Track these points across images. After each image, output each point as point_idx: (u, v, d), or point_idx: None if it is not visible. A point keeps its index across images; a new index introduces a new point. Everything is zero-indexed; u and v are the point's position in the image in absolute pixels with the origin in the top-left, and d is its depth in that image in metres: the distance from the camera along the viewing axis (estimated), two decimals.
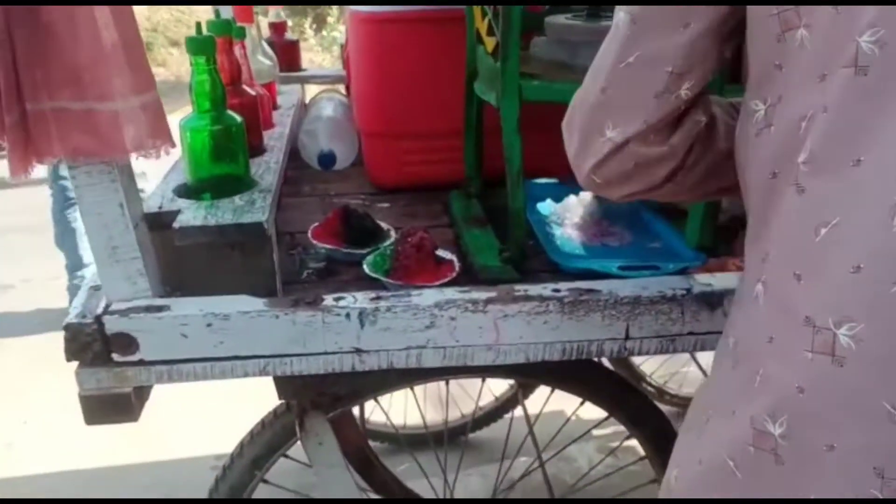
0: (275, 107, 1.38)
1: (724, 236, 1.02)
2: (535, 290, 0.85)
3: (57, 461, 2.00)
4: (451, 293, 0.85)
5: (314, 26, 8.66)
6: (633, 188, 0.68)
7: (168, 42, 8.02)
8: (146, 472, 1.97)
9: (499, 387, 1.90)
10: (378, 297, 0.83)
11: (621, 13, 0.61)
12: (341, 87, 1.79)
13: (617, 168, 0.65)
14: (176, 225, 0.81)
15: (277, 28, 1.74)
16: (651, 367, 2.04)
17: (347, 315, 0.81)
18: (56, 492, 1.89)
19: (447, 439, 1.57)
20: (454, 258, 0.98)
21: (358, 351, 0.83)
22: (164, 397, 2.07)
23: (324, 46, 8.46)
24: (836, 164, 0.47)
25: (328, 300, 0.82)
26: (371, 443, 1.81)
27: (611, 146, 0.63)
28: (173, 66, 7.77)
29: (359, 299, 0.83)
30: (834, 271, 0.46)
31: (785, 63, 0.52)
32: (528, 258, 0.98)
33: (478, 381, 1.49)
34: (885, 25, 0.44)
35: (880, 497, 0.45)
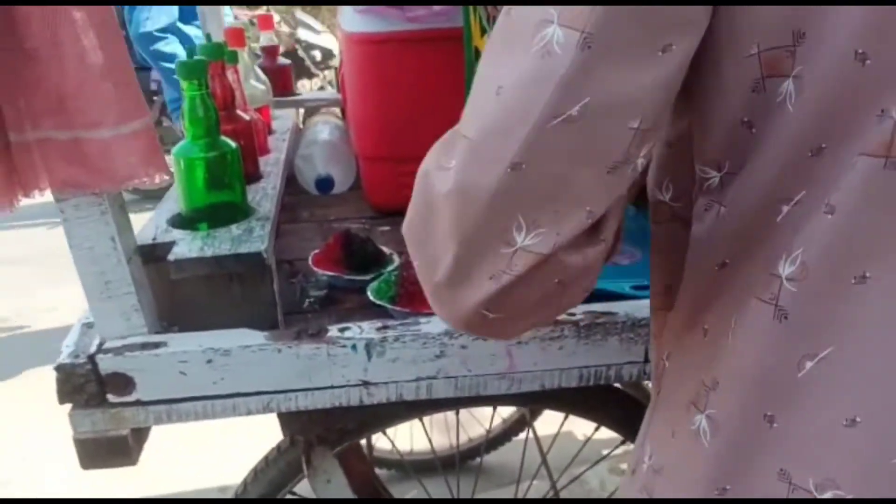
0: (269, 132, 1.35)
1: None
2: None
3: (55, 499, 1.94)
4: None
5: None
6: (540, 317, 0.48)
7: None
8: None
9: (507, 409, 1.86)
10: (385, 327, 0.80)
11: (558, 30, 0.36)
12: (337, 110, 1.76)
13: (526, 294, 0.42)
14: (171, 257, 0.77)
15: (269, 52, 1.72)
16: None
17: (354, 346, 0.78)
18: None
19: (459, 465, 1.53)
20: None
21: (366, 384, 0.79)
22: (164, 429, 2.03)
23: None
24: (834, 282, 0.36)
25: (333, 331, 0.79)
26: (377, 470, 1.77)
27: (526, 263, 0.40)
28: None
29: (365, 329, 0.79)
30: (820, 420, 0.36)
31: (757, 122, 0.38)
32: None
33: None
34: None
35: None
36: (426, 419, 1.43)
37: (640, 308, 0.82)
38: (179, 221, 0.88)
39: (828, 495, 0.36)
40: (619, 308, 0.82)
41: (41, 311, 2.98)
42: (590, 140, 0.37)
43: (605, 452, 1.91)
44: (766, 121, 0.38)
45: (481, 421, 1.75)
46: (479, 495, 1.82)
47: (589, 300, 0.84)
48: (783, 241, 0.37)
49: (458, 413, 1.04)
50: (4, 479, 2.05)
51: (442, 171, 0.42)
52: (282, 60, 1.76)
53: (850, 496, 0.35)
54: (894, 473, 0.35)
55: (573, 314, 0.81)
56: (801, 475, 0.37)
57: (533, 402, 0.93)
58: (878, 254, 0.35)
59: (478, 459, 1.88)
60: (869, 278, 0.35)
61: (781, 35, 0.35)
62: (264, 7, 5.33)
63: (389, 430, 1.43)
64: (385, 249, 1.06)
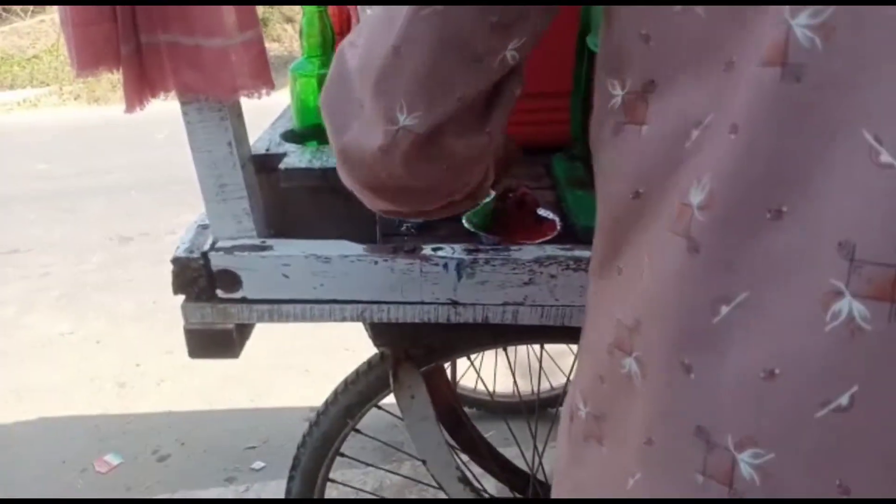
0: None
1: None
2: None
3: (162, 402, 2.11)
4: (553, 250, 0.82)
5: None
6: (437, 199, 0.50)
7: (283, 18, 8.23)
8: (242, 417, 2.05)
9: None
10: (477, 250, 0.82)
11: None
12: None
13: (417, 172, 0.46)
14: (282, 166, 0.81)
15: None
16: None
17: (445, 266, 0.80)
18: (156, 429, 2.00)
19: (538, 409, 1.55)
20: (556, 218, 0.95)
21: (454, 303, 0.82)
22: (268, 348, 2.15)
23: None
24: (746, 213, 0.32)
25: (427, 249, 0.81)
26: None
27: (410, 139, 0.43)
28: (287, 41, 7.98)
29: (457, 250, 0.81)
30: (736, 371, 0.33)
31: (655, 34, 0.35)
32: None
33: (569, 355, 1.46)
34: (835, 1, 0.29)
35: None
36: (512, 363, 1.46)
37: None
38: (291, 137, 0.92)
39: (746, 454, 0.33)
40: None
41: (163, 233, 3.20)
42: (453, 30, 0.40)
43: None
44: (662, 33, 0.35)
45: (564, 371, 1.75)
46: (550, 443, 1.84)
47: None
48: (694, 166, 0.34)
49: (542, 350, 1.05)
50: (120, 381, 2.24)
51: (353, 48, 0.46)
52: None
53: (770, 454, 0.32)
54: (818, 429, 0.31)
55: None
56: (720, 433, 0.34)
57: None
58: (793, 182, 0.31)
59: (560, 408, 1.90)
60: (785, 213, 0.31)
61: None
62: None
63: (471, 371, 1.46)
64: None
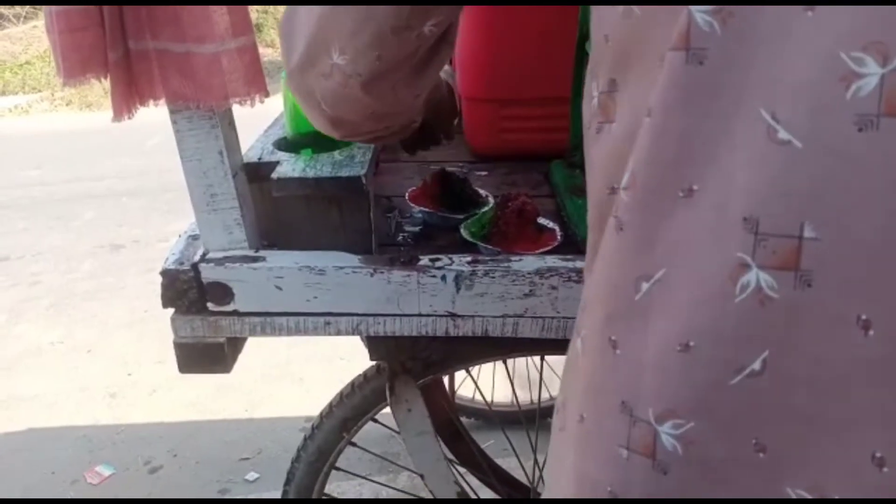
0: None
1: None
2: None
3: (154, 412, 2.08)
4: (554, 261, 0.80)
5: None
6: (362, 133, 0.59)
7: (278, 23, 8.23)
8: (235, 427, 2.02)
9: None
10: (476, 261, 0.79)
11: None
12: None
13: (349, 107, 0.55)
14: (274, 175, 0.79)
15: None
16: None
17: (444, 277, 0.78)
18: (147, 439, 1.97)
19: (538, 419, 1.52)
20: (556, 227, 0.93)
21: (452, 315, 0.80)
22: (262, 357, 2.12)
23: None
24: (662, 193, 0.34)
25: (424, 260, 0.79)
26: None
27: (340, 78, 0.51)
28: None
29: (455, 262, 0.79)
30: (656, 346, 0.34)
31: (611, 35, 0.37)
32: None
33: None
34: None
35: None
36: (510, 372, 1.43)
37: None
38: (285, 145, 0.90)
39: (666, 426, 0.34)
40: None
41: (154, 241, 3.17)
42: (374, 10, 0.47)
43: None
44: (616, 31, 0.37)
45: None
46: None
47: None
48: (628, 152, 0.36)
49: (542, 361, 1.03)
50: (111, 392, 2.21)
51: None
52: None
53: (690, 424, 0.34)
54: (733, 394, 0.33)
55: None
56: (642, 407, 0.35)
57: None
58: (702, 161, 0.33)
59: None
60: (696, 191, 0.33)
61: None
62: None
63: (469, 380, 1.44)
64: (481, 191, 1.05)
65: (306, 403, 2.02)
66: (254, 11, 7.90)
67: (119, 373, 2.28)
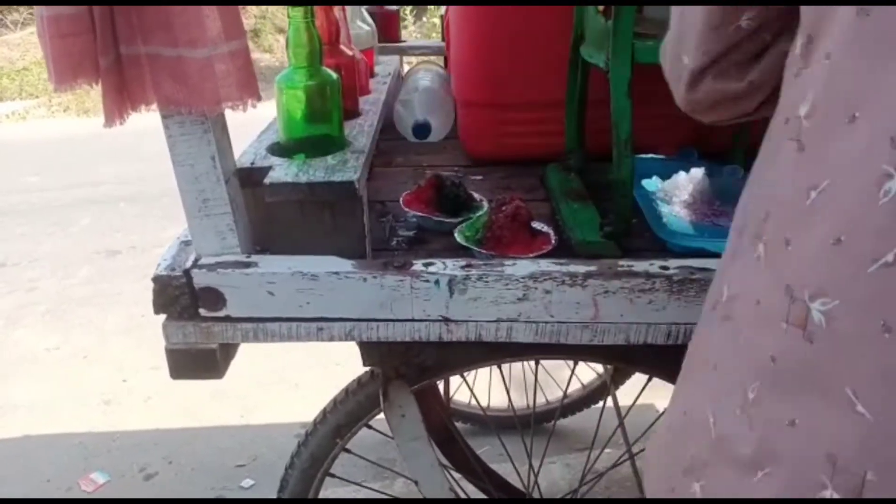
0: (372, 74, 1.35)
1: None
2: (640, 266, 0.79)
3: (149, 419, 2.07)
4: (547, 265, 0.80)
5: (414, 12, 8.69)
6: (721, 116, 0.64)
7: (275, 28, 8.22)
8: (231, 434, 2.01)
9: (586, 375, 1.83)
10: (469, 265, 0.79)
11: None
12: (440, 60, 1.75)
13: (702, 97, 0.62)
14: (267, 181, 0.79)
15: None
16: None
17: (437, 282, 0.77)
18: (142, 446, 1.96)
19: (527, 425, 1.52)
20: (550, 231, 0.93)
21: (446, 320, 0.79)
22: (258, 363, 2.12)
23: (423, 33, 8.48)
24: (834, 119, 0.43)
25: (417, 265, 0.79)
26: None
27: (688, 74, 0.60)
28: (279, 52, 7.96)
29: (449, 266, 0.79)
30: (816, 240, 0.43)
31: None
32: (632, 236, 0.91)
33: (565, 368, 1.44)
34: None
35: (829, 485, 0.43)
36: (506, 376, 1.43)
37: None
38: (278, 150, 0.89)
39: (817, 303, 0.42)
40: (717, 265, 0.78)
41: (151, 246, 3.16)
42: (702, 10, 0.56)
43: None
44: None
45: (560, 384, 1.73)
46: (552, 457, 1.81)
47: (687, 258, 0.81)
48: (801, 85, 0.46)
49: (537, 365, 1.02)
50: (105, 399, 2.20)
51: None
52: (389, 6, 1.76)
53: (834, 302, 0.42)
54: (870, 281, 0.40)
55: (666, 267, 0.78)
56: (800, 289, 0.43)
57: (615, 358, 0.90)
58: (865, 93, 0.41)
59: (560, 421, 1.87)
60: (857, 118, 0.41)
61: None
62: None
63: (465, 384, 1.43)
64: (475, 195, 1.05)
65: (302, 409, 2.01)
66: (252, 16, 7.91)
67: (115, 379, 2.27)
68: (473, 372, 1.65)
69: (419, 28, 8.78)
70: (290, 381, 2.20)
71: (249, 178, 0.83)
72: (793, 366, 0.44)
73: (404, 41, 1.81)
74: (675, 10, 0.62)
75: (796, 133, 0.45)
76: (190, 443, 1.98)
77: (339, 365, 2.15)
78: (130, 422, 2.07)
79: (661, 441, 0.59)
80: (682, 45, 0.60)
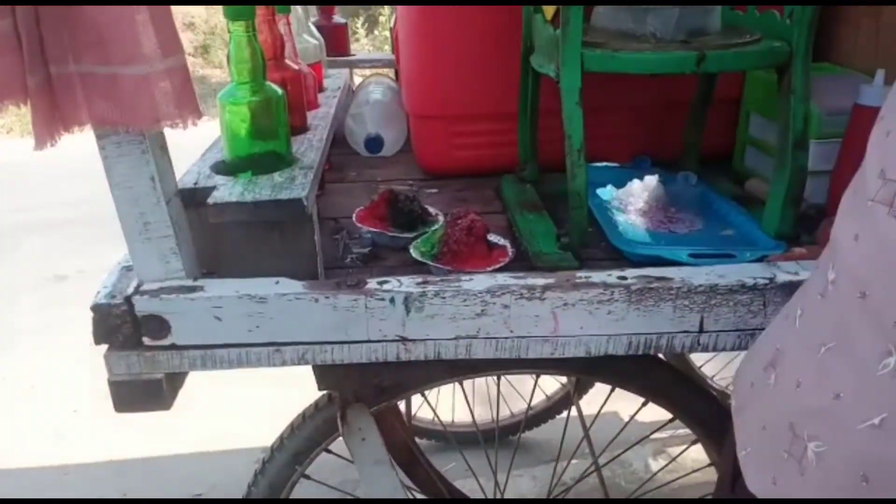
0: (321, 89, 1.33)
1: (804, 225, 0.92)
2: (598, 276, 0.77)
3: (102, 451, 2.00)
4: (505, 279, 0.78)
5: (366, 26, 8.68)
6: None
7: (225, 44, 8.14)
8: (188, 462, 1.95)
9: (550, 385, 1.82)
10: (425, 282, 0.77)
11: None
12: (391, 73, 1.73)
13: None
14: (210, 201, 0.75)
15: (325, 11, 1.69)
16: (713, 368, 1.93)
17: (392, 300, 0.75)
18: (96, 480, 1.89)
19: (498, 439, 1.50)
20: (507, 243, 0.91)
21: (403, 339, 0.77)
22: (215, 387, 2.05)
23: (376, 46, 8.47)
24: None
25: (371, 284, 0.76)
26: (417, 440, 1.75)
27: None
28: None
29: (404, 283, 0.76)
30: None
31: None
32: (588, 246, 0.90)
33: (529, 379, 1.42)
34: None
35: None
36: (469, 392, 1.41)
37: (698, 274, 0.77)
38: (223, 169, 0.86)
39: None
40: (675, 273, 0.77)
41: (100, 271, 3.06)
42: None
43: (654, 436, 1.86)
44: None
45: (524, 396, 1.71)
46: (518, 470, 1.79)
47: (644, 267, 0.80)
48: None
49: (499, 380, 1.00)
50: (57, 432, 2.11)
51: None
52: (337, 19, 1.74)
53: None
54: None
55: (624, 277, 0.77)
56: (893, 171, 0.45)
57: (577, 370, 0.89)
58: None
59: (526, 433, 1.85)
60: None
61: None
62: None
63: (432, 400, 1.41)
64: (431, 209, 1.03)
65: (262, 434, 1.95)
66: (201, 33, 7.80)
67: (65, 410, 2.18)
68: (436, 389, 1.63)
69: (371, 41, 8.76)
70: (250, 405, 2.15)
71: (193, 199, 0.80)
72: None
73: (354, 54, 1.78)
74: None
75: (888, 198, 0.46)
76: (145, 474, 1.91)
77: (302, 388, 2.10)
78: (82, 454, 1.99)
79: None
80: None
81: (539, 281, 0.77)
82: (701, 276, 0.77)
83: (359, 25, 8.77)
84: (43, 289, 3.01)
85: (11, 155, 5.12)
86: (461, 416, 1.78)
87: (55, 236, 3.53)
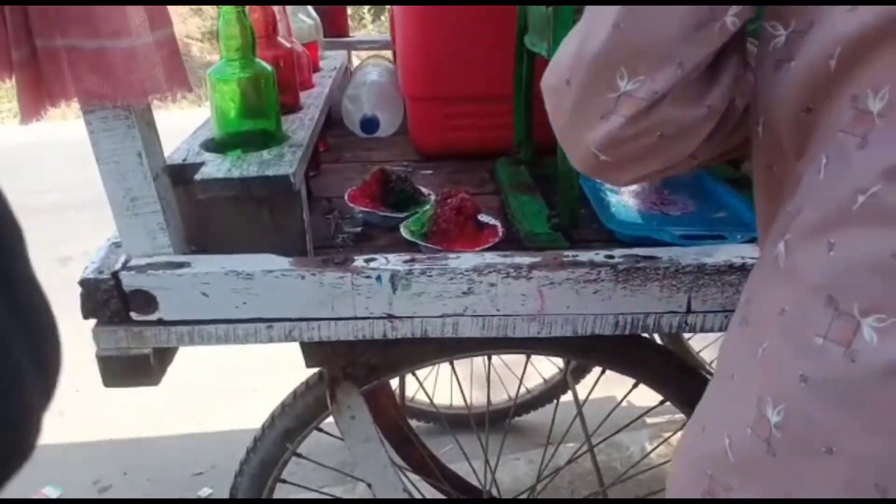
0: (316, 69, 1.32)
1: None
2: (584, 255, 0.77)
3: (104, 430, 2.01)
4: (492, 257, 0.78)
5: (372, 11, 8.64)
6: (648, 168, 0.51)
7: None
8: (188, 442, 1.96)
9: (548, 369, 1.82)
10: (412, 260, 0.77)
11: None
12: (389, 55, 1.72)
13: (635, 143, 0.48)
14: (198, 177, 0.76)
15: None
16: (711, 355, 1.93)
17: (378, 278, 0.75)
18: (97, 459, 1.90)
19: (489, 422, 1.50)
20: (497, 223, 0.91)
21: (390, 317, 0.77)
22: (215, 367, 2.06)
23: (381, 32, 8.45)
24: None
25: (359, 261, 0.76)
26: (414, 423, 1.76)
27: (630, 106, 0.46)
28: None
29: (391, 261, 0.76)
30: (869, 250, 0.38)
31: None
32: (580, 226, 0.90)
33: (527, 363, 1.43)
34: None
35: None
36: (466, 375, 1.41)
37: (686, 254, 0.77)
38: (212, 146, 0.86)
39: (869, 319, 0.38)
40: (663, 252, 0.77)
41: None
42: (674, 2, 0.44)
43: (647, 420, 1.87)
44: None
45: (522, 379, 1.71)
46: (516, 454, 1.80)
47: (633, 247, 0.80)
48: (867, 80, 0.39)
49: (489, 360, 1.00)
50: (59, 409, 2.13)
51: (577, 34, 0.50)
52: None
53: (892, 319, 0.37)
54: None
55: (611, 256, 0.76)
56: (848, 301, 0.39)
57: (567, 351, 0.89)
58: None
59: (520, 416, 1.86)
60: None
61: None
62: None
63: (429, 384, 1.41)
64: (423, 190, 1.02)
65: (260, 414, 1.96)
66: (209, 18, 7.76)
67: (67, 389, 2.19)
68: (434, 370, 1.63)
69: (378, 27, 8.73)
70: (248, 387, 2.16)
71: (181, 175, 0.80)
72: (829, 387, 0.40)
73: (352, 36, 1.78)
74: (603, 18, 0.46)
75: (864, 130, 0.40)
76: (146, 453, 1.92)
77: (301, 368, 2.11)
78: (84, 433, 2.01)
79: (676, 456, 0.54)
80: (626, 60, 0.46)
81: (525, 259, 0.76)
82: (689, 255, 0.76)
83: (365, 11, 8.74)
84: (47, 270, 3.02)
85: (14, 139, 5.14)
86: (459, 399, 1.79)
87: (58, 219, 3.55)
